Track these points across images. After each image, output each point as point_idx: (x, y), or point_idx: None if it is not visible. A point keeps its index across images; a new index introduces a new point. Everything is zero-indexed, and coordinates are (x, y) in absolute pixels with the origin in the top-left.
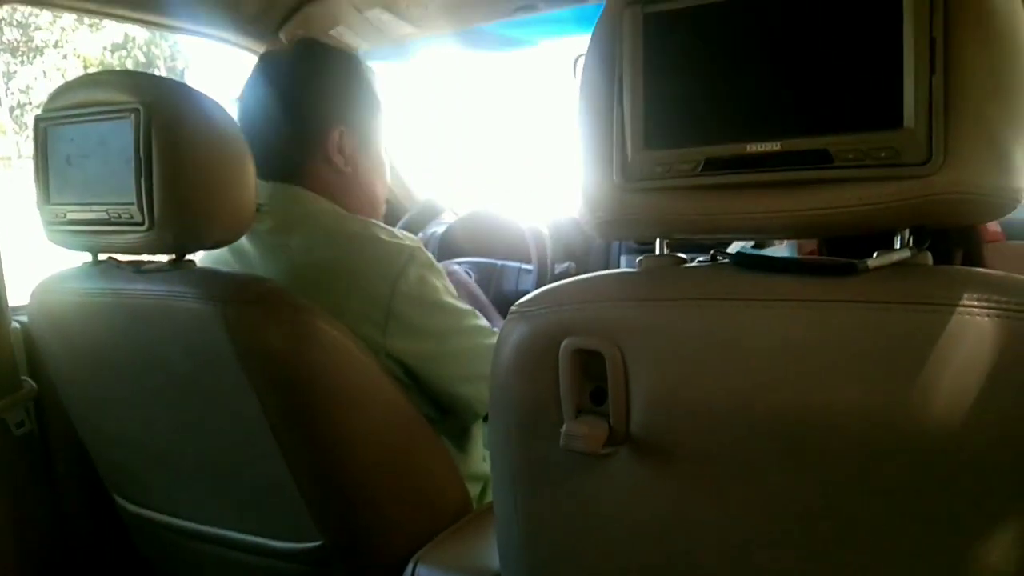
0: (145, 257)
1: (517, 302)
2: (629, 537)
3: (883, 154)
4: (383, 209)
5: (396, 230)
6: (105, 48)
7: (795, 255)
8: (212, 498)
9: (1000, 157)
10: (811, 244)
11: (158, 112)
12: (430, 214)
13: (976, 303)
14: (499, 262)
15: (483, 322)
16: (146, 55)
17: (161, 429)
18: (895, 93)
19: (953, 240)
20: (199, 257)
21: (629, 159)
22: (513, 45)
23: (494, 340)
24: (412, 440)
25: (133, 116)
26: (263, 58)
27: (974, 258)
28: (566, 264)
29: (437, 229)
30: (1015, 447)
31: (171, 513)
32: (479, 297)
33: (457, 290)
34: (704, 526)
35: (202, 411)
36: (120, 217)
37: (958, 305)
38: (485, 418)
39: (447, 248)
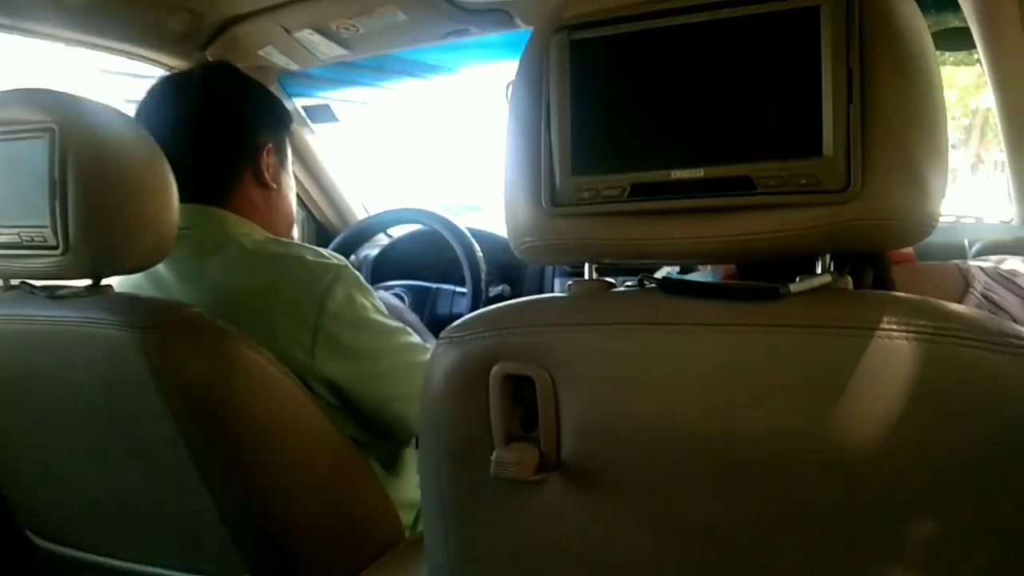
0: (60, 282)
1: (447, 328)
2: (561, 564)
3: (803, 181)
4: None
5: (322, 250)
6: None
7: (718, 279)
8: (132, 532)
9: (916, 184)
10: (731, 268)
11: (74, 132)
12: (364, 236)
13: (896, 327)
14: (433, 285)
15: (415, 339)
16: None
17: (78, 461)
18: (814, 122)
19: (863, 262)
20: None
21: (557, 184)
22: (435, 71)
23: (427, 357)
24: (341, 468)
25: (47, 135)
26: (175, 79)
27: (883, 280)
28: (500, 287)
29: (371, 251)
30: (934, 468)
31: (89, 549)
32: (410, 320)
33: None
34: (635, 551)
35: (120, 442)
36: (33, 240)
37: (879, 329)
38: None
39: (381, 270)
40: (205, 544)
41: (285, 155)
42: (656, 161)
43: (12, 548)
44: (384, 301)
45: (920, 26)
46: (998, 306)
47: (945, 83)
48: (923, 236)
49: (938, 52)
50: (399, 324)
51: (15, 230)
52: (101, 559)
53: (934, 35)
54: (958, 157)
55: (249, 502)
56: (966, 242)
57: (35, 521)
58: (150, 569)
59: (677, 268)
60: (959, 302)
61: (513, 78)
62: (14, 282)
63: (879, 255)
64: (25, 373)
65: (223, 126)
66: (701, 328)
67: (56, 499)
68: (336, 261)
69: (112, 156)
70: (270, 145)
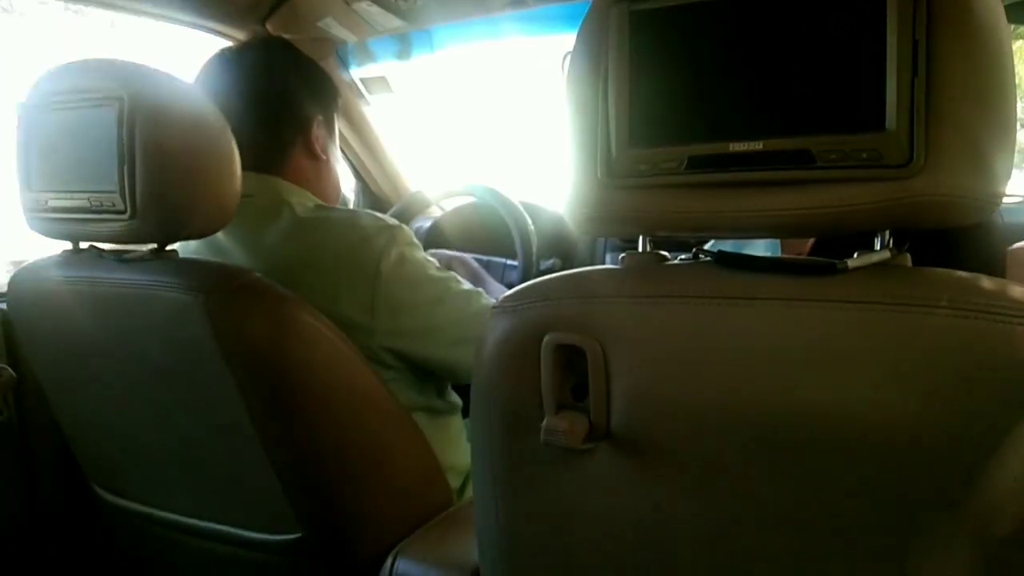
0: (127, 246)
1: (500, 297)
2: (607, 532)
3: (865, 155)
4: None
5: (376, 213)
6: None
7: (775, 253)
8: (191, 488)
9: (979, 160)
10: (800, 245)
11: (142, 101)
12: (417, 208)
13: (952, 304)
14: (485, 257)
15: (467, 286)
16: None
17: (141, 418)
18: (878, 95)
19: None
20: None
21: (613, 156)
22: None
23: (484, 301)
24: (393, 433)
25: (117, 104)
26: (228, 53)
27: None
28: (551, 260)
29: (423, 223)
30: (991, 446)
31: (149, 503)
32: (481, 275)
33: (460, 270)
34: (682, 522)
35: (182, 401)
36: (102, 205)
37: (935, 306)
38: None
39: (433, 242)
40: (261, 502)
41: (333, 128)
42: (714, 133)
43: (80, 502)
44: (461, 260)
45: None
46: None
47: (1018, 57)
48: (985, 214)
49: (1011, 25)
50: (452, 274)
51: (86, 195)
52: (163, 513)
53: (1007, 7)
54: None
55: (303, 463)
56: None
57: (101, 476)
58: (208, 524)
59: (728, 241)
60: None
61: (571, 50)
62: (83, 245)
63: (989, 240)
64: (93, 333)
65: (277, 98)
66: (756, 302)
67: (121, 455)
68: (391, 223)
69: (178, 124)
70: (320, 117)
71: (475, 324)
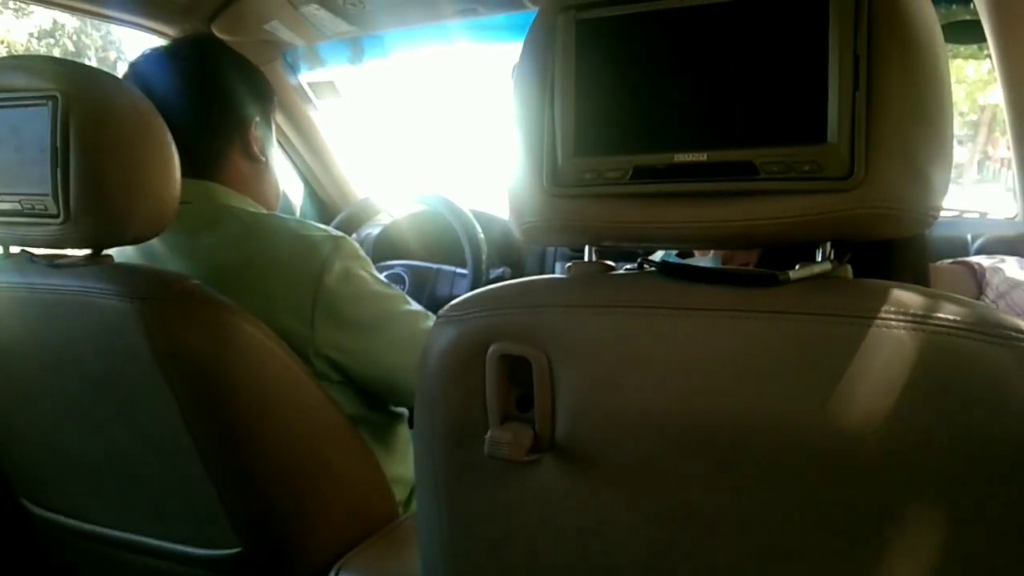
0: (60, 251)
1: (445, 306)
2: (552, 544)
3: (807, 168)
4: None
5: (320, 224)
6: (31, 35)
7: (718, 265)
8: (126, 502)
9: (918, 173)
10: (746, 256)
11: (78, 100)
12: (366, 215)
13: (892, 316)
14: (434, 266)
15: (415, 306)
16: (76, 44)
17: (73, 430)
18: (819, 108)
19: (891, 261)
20: None
21: (559, 165)
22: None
23: (428, 323)
24: (335, 444)
25: (50, 103)
26: (162, 52)
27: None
28: (501, 269)
29: (372, 230)
30: (926, 455)
31: (83, 518)
32: None
33: None
34: (627, 533)
35: (117, 412)
36: (34, 209)
37: (874, 317)
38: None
39: (382, 250)
40: (198, 515)
41: (271, 129)
42: (660, 144)
43: (7, 516)
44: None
45: (929, 16)
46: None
47: (954, 78)
48: (923, 227)
49: (948, 45)
50: (399, 292)
51: (16, 197)
52: (96, 528)
53: (944, 27)
54: (965, 153)
55: (242, 475)
56: (969, 237)
57: (31, 489)
58: (144, 539)
59: (674, 252)
60: None
61: (518, 58)
62: (14, 250)
63: (920, 255)
64: (24, 341)
65: (212, 99)
66: (700, 313)
67: (52, 468)
68: (335, 234)
69: (115, 125)
70: (257, 118)
71: (418, 346)
